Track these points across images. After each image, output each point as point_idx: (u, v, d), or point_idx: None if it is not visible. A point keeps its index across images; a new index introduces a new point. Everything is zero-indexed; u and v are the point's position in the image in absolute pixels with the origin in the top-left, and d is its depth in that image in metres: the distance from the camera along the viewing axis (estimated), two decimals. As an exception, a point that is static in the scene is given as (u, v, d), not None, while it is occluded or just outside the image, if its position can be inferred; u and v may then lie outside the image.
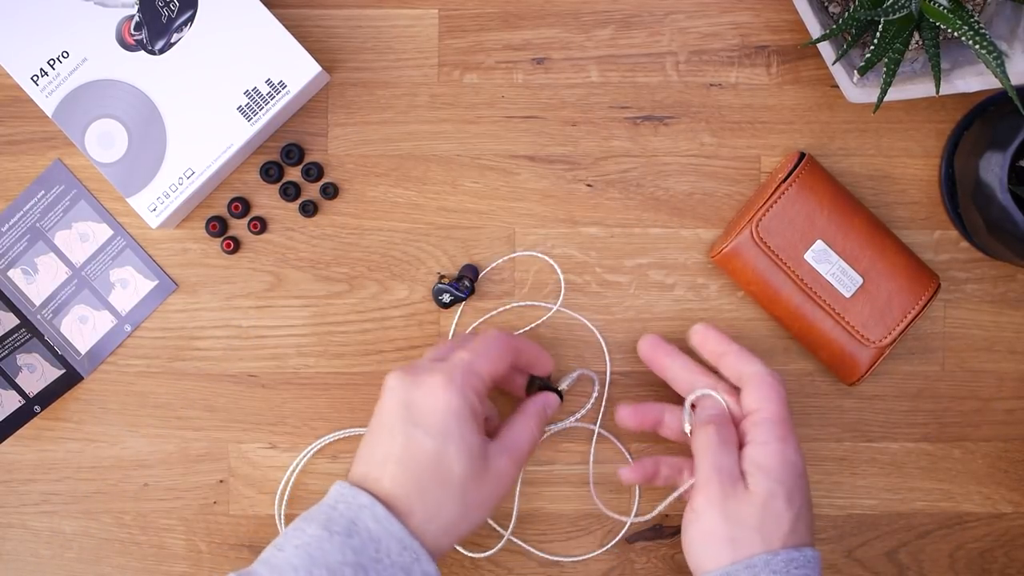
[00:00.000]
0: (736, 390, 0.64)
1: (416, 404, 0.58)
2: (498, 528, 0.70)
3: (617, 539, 0.71)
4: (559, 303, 0.70)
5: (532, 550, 0.71)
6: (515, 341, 0.64)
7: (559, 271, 0.70)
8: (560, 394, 0.67)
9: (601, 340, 0.70)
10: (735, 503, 0.58)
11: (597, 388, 0.69)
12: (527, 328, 0.70)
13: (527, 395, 0.66)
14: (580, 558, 0.71)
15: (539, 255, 0.70)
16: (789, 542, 0.58)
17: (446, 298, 0.69)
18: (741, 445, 0.62)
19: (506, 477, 0.60)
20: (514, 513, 0.70)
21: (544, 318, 0.70)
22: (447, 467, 0.57)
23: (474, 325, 0.70)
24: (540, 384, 0.66)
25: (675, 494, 0.64)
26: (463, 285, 0.69)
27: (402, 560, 0.55)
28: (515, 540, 0.70)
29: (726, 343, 0.64)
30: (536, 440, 0.63)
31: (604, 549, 0.71)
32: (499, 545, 0.70)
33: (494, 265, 0.70)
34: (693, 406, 0.64)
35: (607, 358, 0.70)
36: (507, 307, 0.70)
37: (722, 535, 0.58)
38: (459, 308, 0.70)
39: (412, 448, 0.58)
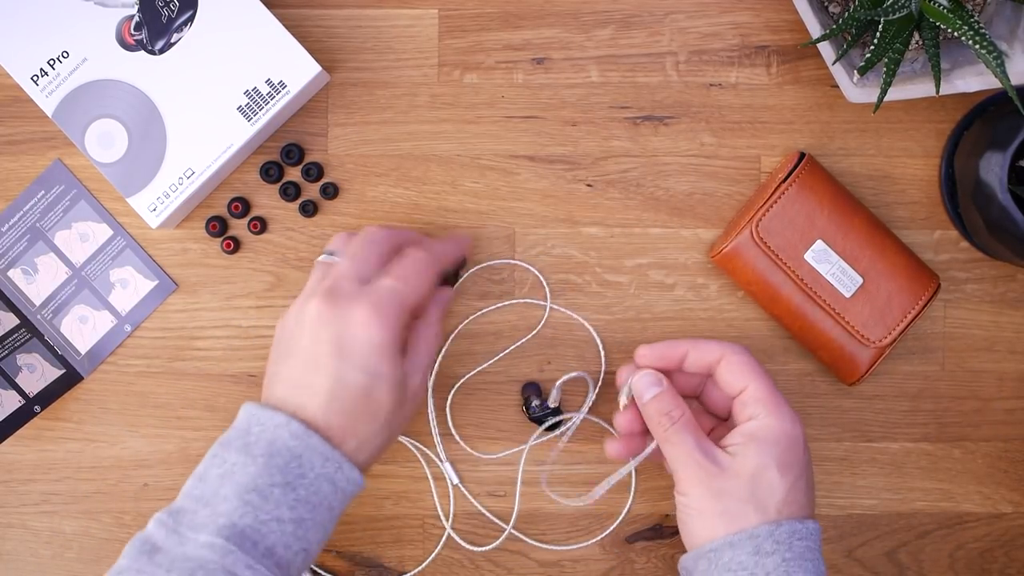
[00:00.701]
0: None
1: (346, 339, 0.58)
2: (499, 523, 0.70)
3: (608, 532, 0.71)
4: (548, 303, 0.70)
5: (535, 543, 0.71)
6: (437, 258, 0.63)
7: (543, 279, 0.70)
8: (558, 411, 0.68)
9: (595, 335, 0.70)
10: (720, 480, 0.58)
11: (591, 385, 0.69)
12: (531, 335, 0.70)
13: (529, 419, 0.69)
14: (579, 550, 0.71)
15: (522, 263, 0.70)
16: (786, 512, 0.58)
17: None
18: (727, 420, 0.62)
19: (421, 394, 0.61)
20: (514, 512, 0.70)
21: (540, 325, 0.70)
22: (377, 402, 0.58)
23: (468, 319, 0.71)
24: (534, 409, 0.68)
25: (625, 469, 0.64)
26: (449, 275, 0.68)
27: (326, 471, 0.56)
28: (516, 533, 0.70)
29: (677, 344, 0.63)
30: (439, 344, 0.63)
31: (604, 548, 0.71)
32: (500, 539, 0.70)
33: (473, 271, 0.70)
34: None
35: (602, 355, 0.70)
36: (505, 304, 0.70)
37: (713, 510, 0.58)
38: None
39: (343, 383, 0.58)
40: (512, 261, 0.70)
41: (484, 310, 0.70)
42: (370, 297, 0.59)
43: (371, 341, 0.58)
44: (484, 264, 0.70)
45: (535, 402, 0.69)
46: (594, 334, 0.70)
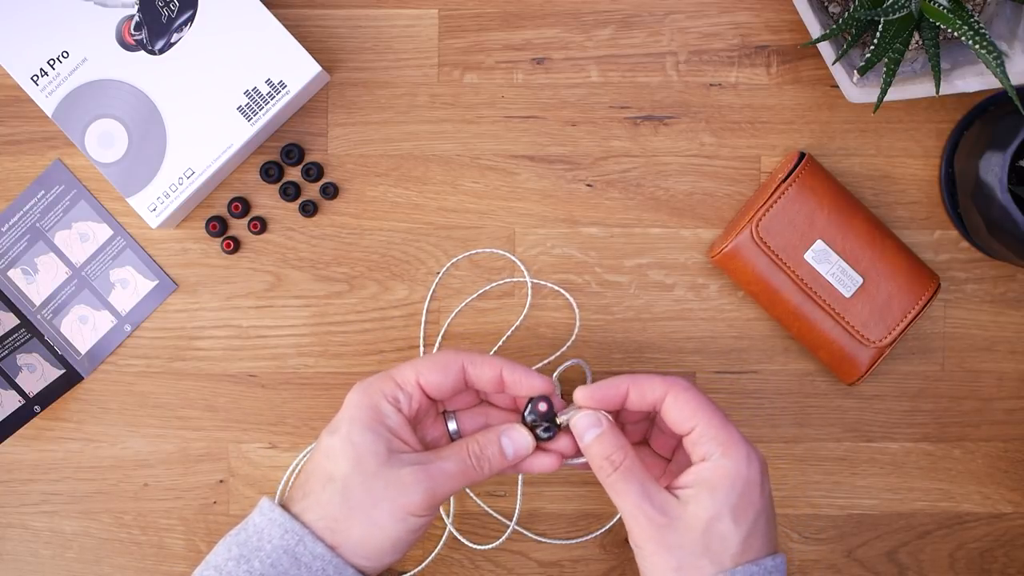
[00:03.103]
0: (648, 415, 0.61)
1: (337, 414, 0.59)
2: (503, 520, 0.71)
3: (606, 529, 0.71)
4: (528, 278, 0.70)
5: (540, 539, 0.71)
6: (463, 356, 0.59)
7: (521, 264, 0.70)
8: (553, 425, 0.59)
9: (571, 300, 0.70)
10: (671, 533, 0.54)
11: (588, 372, 0.68)
12: (520, 319, 0.70)
13: (522, 421, 0.60)
14: (579, 551, 0.71)
15: (504, 253, 0.70)
16: (742, 560, 0.55)
17: None
18: (684, 461, 0.59)
19: (408, 487, 0.55)
20: (516, 509, 0.70)
21: (526, 308, 0.70)
22: (332, 463, 0.56)
23: (454, 311, 0.71)
24: (533, 415, 0.59)
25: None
26: None
27: (284, 543, 0.55)
28: (520, 529, 0.70)
29: (617, 382, 0.58)
30: (467, 463, 0.58)
31: (604, 548, 0.71)
32: (506, 534, 0.70)
33: (454, 261, 0.70)
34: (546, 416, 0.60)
35: (577, 320, 0.70)
36: (491, 286, 0.70)
37: (667, 565, 0.54)
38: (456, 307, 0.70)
39: (315, 448, 0.58)
40: (502, 252, 0.70)
41: (469, 298, 0.70)
42: (368, 378, 0.59)
43: (342, 409, 0.58)
44: (476, 251, 0.71)
45: (537, 414, 0.61)
46: (574, 306, 0.70)
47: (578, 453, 0.60)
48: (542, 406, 0.59)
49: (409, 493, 0.55)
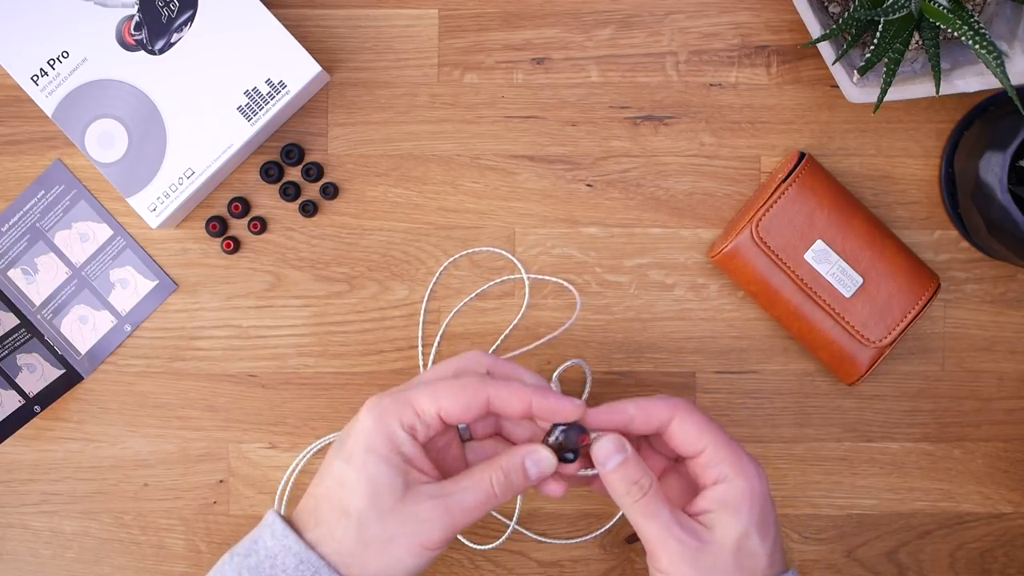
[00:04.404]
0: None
1: (347, 432, 0.56)
2: (503, 520, 0.71)
3: (605, 529, 0.71)
4: (525, 275, 0.70)
5: (540, 538, 0.71)
6: (489, 388, 0.56)
7: (518, 263, 0.70)
8: (574, 451, 0.57)
9: (570, 288, 0.70)
10: (704, 556, 0.54)
11: (587, 372, 0.67)
12: (517, 318, 0.70)
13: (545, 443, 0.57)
14: (579, 551, 0.71)
15: (502, 251, 0.70)
16: (770, 573, 0.56)
17: None
18: (695, 485, 0.58)
19: (426, 524, 0.54)
20: (516, 509, 0.70)
21: (516, 318, 0.70)
22: (348, 495, 0.54)
23: (454, 311, 0.71)
24: (556, 438, 0.56)
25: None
26: None
27: (299, 575, 0.54)
28: (520, 528, 0.70)
29: (620, 408, 0.57)
30: (489, 494, 0.55)
31: (604, 548, 0.71)
32: (507, 534, 0.70)
33: (457, 256, 0.70)
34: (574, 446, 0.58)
35: (577, 306, 0.70)
36: (486, 286, 0.70)
37: None
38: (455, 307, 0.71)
39: (325, 471, 0.56)
40: (500, 251, 0.70)
41: (467, 298, 0.70)
42: (384, 398, 0.56)
43: (357, 434, 0.55)
44: (475, 250, 0.71)
45: (559, 437, 0.57)
46: (575, 293, 0.70)
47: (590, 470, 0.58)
48: (581, 439, 0.56)
49: (427, 530, 0.54)
